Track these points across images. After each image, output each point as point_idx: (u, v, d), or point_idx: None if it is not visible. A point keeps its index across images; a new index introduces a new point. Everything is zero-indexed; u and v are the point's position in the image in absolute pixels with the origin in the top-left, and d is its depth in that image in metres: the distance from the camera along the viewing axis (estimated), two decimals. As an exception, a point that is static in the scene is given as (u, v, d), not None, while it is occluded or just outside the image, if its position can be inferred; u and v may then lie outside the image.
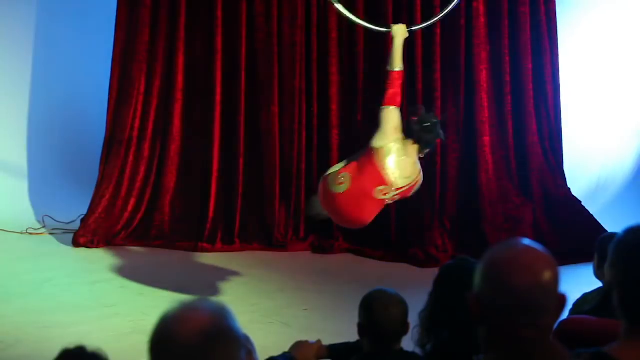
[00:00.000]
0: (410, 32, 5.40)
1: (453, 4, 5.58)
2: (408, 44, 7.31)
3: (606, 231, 6.73)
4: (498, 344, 1.87)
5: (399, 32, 5.26)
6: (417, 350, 2.83)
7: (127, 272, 6.55)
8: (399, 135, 5.06)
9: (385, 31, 5.54)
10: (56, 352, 2.04)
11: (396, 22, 7.32)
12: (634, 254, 2.06)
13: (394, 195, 5.14)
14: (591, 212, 7.37)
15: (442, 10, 5.71)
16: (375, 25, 5.69)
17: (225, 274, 6.62)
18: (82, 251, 7.18)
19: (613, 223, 6.73)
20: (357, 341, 3.09)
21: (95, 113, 8.48)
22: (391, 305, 2.90)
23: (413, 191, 5.23)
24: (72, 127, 8.65)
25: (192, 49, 7.72)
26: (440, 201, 7.38)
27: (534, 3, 7.42)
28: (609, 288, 3.12)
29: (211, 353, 1.62)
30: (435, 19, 5.89)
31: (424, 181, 7.35)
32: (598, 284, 3.62)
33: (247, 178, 7.65)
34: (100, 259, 6.91)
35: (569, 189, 7.50)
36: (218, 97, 7.63)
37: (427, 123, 5.06)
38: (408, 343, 2.89)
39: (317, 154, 7.61)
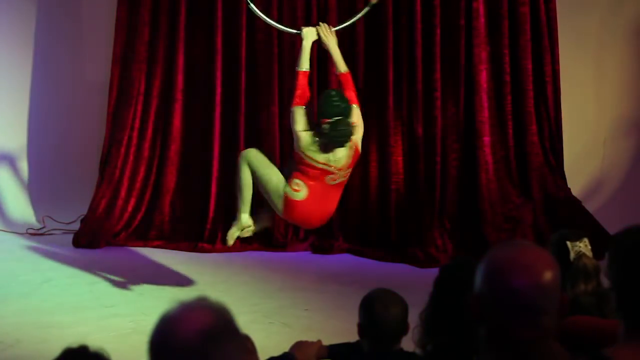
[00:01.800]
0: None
1: (363, 11, 5.86)
2: (408, 43, 7.40)
3: (605, 231, 6.74)
4: (498, 344, 1.87)
5: (309, 34, 5.60)
6: (417, 351, 2.82)
7: (127, 272, 6.55)
8: (307, 130, 5.40)
9: (296, 33, 5.75)
10: (56, 352, 2.03)
11: (397, 24, 7.39)
12: (633, 255, 2.05)
13: (345, 174, 5.48)
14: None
15: (353, 15, 5.96)
16: (287, 27, 5.91)
17: (225, 274, 6.62)
18: (82, 251, 7.18)
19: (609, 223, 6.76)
20: (357, 341, 3.09)
21: (95, 113, 8.48)
22: (391, 305, 2.90)
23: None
24: (72, 127, 8.65)
25: (192, 49, 7.72)
26: (440, 201, 7.37)
27: (534, 3, 7.42)
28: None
29: (211, 353, 1.62)
30: (347, 23, 6.00)
31: (424, 181, 7.41)
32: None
33: (246, 178, 7.64)
34: (100, 259, 6.91)
35: (569, 189, 7.50)
36: (218, 97, 7.63)
37: (338, 126, 5.32)
38: (408, 343, 2.89)
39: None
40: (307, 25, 6.00)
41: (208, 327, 1.63)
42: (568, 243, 3.17)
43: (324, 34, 5.63)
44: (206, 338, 1.62)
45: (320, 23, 5.75)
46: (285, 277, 6.58)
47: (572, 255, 3.15)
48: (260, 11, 5.74)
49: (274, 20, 6.16)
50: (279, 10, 7.55)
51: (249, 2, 5.76)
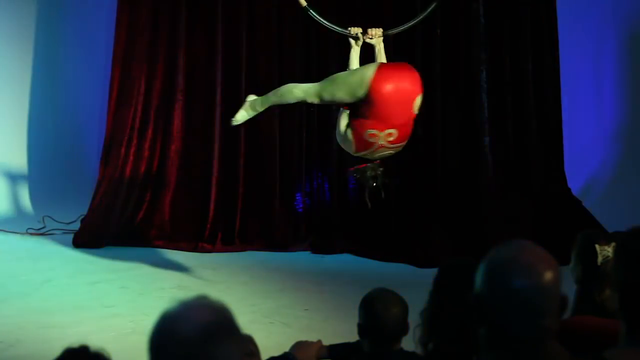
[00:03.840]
0: (388, 35, 5.63)
1: (427, 11, 5.80)
2: (409, 43, 7.40)
3: (605, 231, 6.74)
4: (498, 344, 1.86)
5: (359, 36, 5.52)
6: (418, 350, 2.82)
7: (127, 272, 6.55)
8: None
9: (347, 34, 5.65)
10: (56, 352, 2.03)
11: (397, 22, 7.39)
12: (636, 256, 2.05)
13: None
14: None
15: (414, 18, 5.96)
16: (340, 28, 5.82)
17: (225, 274, 6.62)
18: (82, 251, 7.17)
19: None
20: (357, 341, 3.08)
21: (95, 113, 8.48)
22: (391, 305, 2.90)
23: None
24: (72, 128, 8.65)
25: (193, 49, 7.72)
26: (440, 201, 7.38)
27: (534, 3, 7.43)
28: (580, 287, 3.12)
29: (212, 350, 1.62)
30: (406, 26, 5.95)
31: (424, 181, 7.41)
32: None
33: (247, 178, 7.65)
34: (100, 259, 6.91)
35: (569, 189, 7.50)
36: (218, 97, 7.63)
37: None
38: (408, 343, 2.89)
39: (317, 154, 7.62)
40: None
41: (208, 324, 1.64)
42: (596, 246, 3.14)
43: (374, 34, 5.52)
44: (206, 335, 1.62)
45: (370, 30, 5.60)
46: (285, 277, 6.58)
47: (599, 259, 3.12)
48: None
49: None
50: (280, 12, 7.55)
51: (308, 8, 5.67)
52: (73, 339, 2.08)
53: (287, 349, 3.23)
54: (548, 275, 1.82)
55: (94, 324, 5.23)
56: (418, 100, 5.14)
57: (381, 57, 5.50)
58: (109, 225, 7.51)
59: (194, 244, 7.43)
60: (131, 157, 7.74)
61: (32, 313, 5.43)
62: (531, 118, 7.46)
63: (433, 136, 7.40)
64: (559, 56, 7.52)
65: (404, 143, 5.23)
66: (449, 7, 7.38)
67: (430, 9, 5.89)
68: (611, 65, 8.09)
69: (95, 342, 2.05)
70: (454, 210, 7.41)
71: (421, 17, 5.92)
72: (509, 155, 7.49)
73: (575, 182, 7.65)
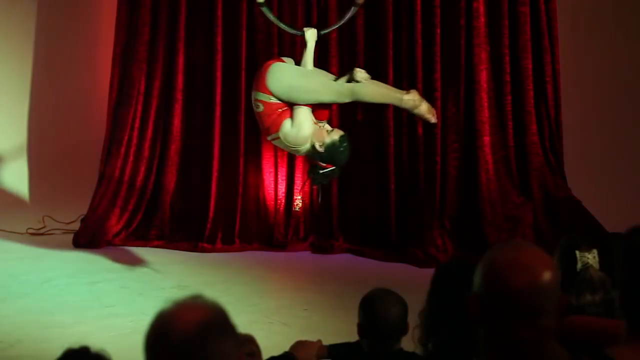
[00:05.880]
0: (320, 35, 5.82)
1: (351, 11, 5.96)
2: (408, 43, 7.40)
3: (606, 231, 6.74)
4: (497, 345, 1.86)
5: (312, 36, 5.65)
6: (418, 350, 2.83)
7: (127, 272, 6.55)
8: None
9: (300, 34, 5.83)
10: (57, 352, 2.04)
11: (397, 24, 7.40)
12: (637, 253, 2.05)
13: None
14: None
15: (342, 17, 6.15)
16: (291, 28, 6.01)
17: (225, 274, 6.62)
18: (82, 251, 7.18)
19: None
20: (357, 341, 3.09)
21: (95, 113, 8.49)
22: (391, 305, 2.90)
23: None
24: (72, 128, 8.65)
25: (192, 49, 7.72)
26: (440, 201, 7.37)
27: (534, 3, 7.42)
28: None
29: (206, 349, 1.63)
30: (339, 24, 6.16)
31: (424, 181, 7.41)
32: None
33: (247, 178, 7.66)
34: (100, 259, 6.91)
35: (569, 189, 7.49)
36: (218, 97, 7.63)
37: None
38: (408, 343, 2.89)
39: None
40: (307, 25, 6.01)
41: (204, 320, 1.64)
42: (577, 253, 3.14)
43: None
44: (202, 330, 1.63)
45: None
46: (285, 277, 6.58)
47: (578, 265, 3.12)
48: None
49: (281, 21, 6.20)
50: (279, 11, 7.55)
51: (263, 4, 5.77)
52: (73, 339, 2.08)
53: (287, 349, 3.23)
54: (546, 275, 1.82)
55: (94, 324, 5.23)
56: None
57: (309, 55, 5.67)
58: (109, 225, 7.52)
59: (194, 244, 7.43)
60: (131, 157, 7.75)
61: (32, 313, 5.44)
62: (531, 118, 7.45)
63: (433, 136, 7.39)
64: (559, 55, 7.51)
65: None
66: (449, 7, 7.38)
67: (353, 11, 6.05)
68: (611, 65, 8.08)
69: (95, 342, 2.05)
70: (454, 210, 7.40)
71: (346, 18, 6.09)
72: (509, 155, 7.48)
73: (575, 182, 7.64)
